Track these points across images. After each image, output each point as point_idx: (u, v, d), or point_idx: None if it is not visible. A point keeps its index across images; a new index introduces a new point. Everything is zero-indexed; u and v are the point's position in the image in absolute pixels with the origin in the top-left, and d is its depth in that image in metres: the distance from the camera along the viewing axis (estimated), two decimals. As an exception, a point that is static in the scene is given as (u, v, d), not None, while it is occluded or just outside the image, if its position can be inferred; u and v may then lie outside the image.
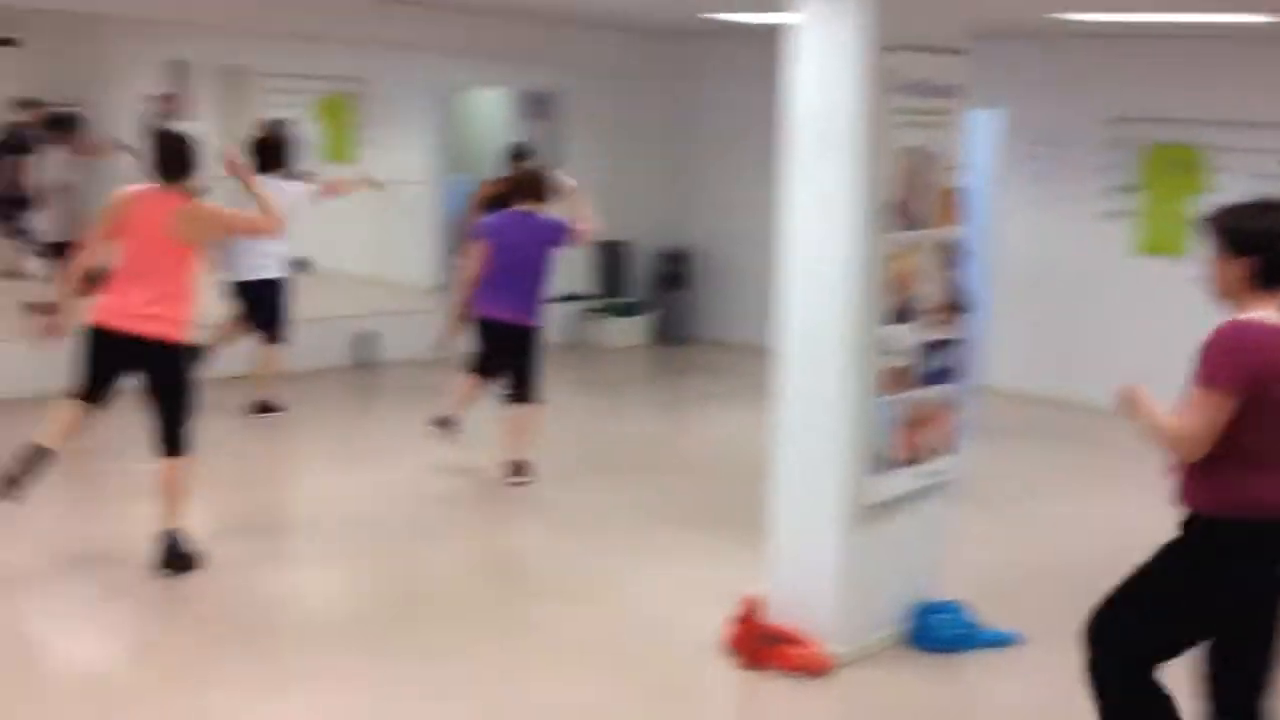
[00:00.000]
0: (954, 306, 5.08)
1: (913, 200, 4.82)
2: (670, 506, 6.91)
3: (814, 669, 4.79)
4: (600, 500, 6.99)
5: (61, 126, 8.31)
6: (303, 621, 5.25)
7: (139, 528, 5.73)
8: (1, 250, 11.06)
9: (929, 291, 4.94)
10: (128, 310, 5.36)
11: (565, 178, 7.47)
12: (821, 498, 4.81)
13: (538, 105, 11.68)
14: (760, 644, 4.86)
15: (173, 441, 5.47)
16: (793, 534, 4.93)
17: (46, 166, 9.63)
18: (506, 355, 7.13)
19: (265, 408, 8.35)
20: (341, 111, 13.39)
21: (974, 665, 5.01)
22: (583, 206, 7.15)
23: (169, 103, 13.34)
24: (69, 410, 5.53)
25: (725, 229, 11.51)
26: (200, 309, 5.60)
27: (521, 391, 7.14)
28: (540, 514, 6.75)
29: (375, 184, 8.95)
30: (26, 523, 5.77)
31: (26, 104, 12.08)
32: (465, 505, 6.94)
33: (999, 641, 5.14)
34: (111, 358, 5.44)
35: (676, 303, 11.83)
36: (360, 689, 4.58)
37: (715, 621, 5.06)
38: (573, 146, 11.54)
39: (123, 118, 13.89)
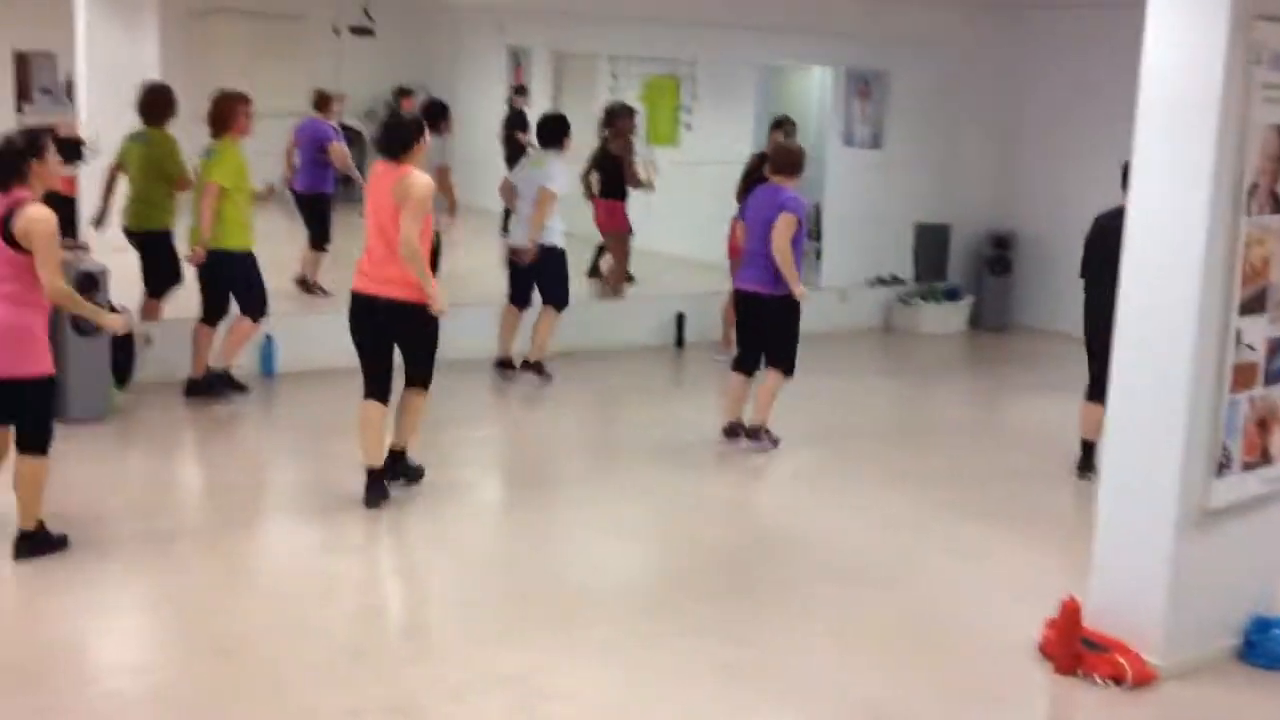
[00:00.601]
0: (1315, 299, 4.66)
1: (1276, 183, 4.45)
2: (979, 498, 6.68)
3: (1135, 680, 4.51)
4: (902, 486, 6.82)
5: (435, 114, 8.99)
6: (593, 592, 5.35)
7: (465, 496, 6.04)
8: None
9: (1288, 282, 4.56)
10: (369, 274, 5.92)
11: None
12: (1158, 499, 4.52)
13: (861, 82, 11.50)
14: (1077, 649, 4.62)
15: (417, 379, 6.14)
16: (1122, 536, 4.65)
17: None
18: (758, 327, 7.20)
19: (539, 369, 8.60)
20: (666, 93, 13.63)
21: (1315, 689, 4.61)
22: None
23: (520, 95, 13.98)
24: (371, 413, 6.04)
25: (1055, 212, 11.01)
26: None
27: (770, 359, 7.19)
28: (839, 496, 6.65)
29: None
30: (322, 492, 6.20)
31: (402, 92, 12.96)
32: (750, 481, 6.97)
33: (1347, 665, 4.70)
34: (364, 320, 5.98)
35: (999, 288, 11.42)
36: (653, 663, 4.63)
37: (1025, 621, 4.86)
38: (896, 124, 11.32)
39: (470, 101, 14.64)
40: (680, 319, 10.18)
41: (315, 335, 8.49)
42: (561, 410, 8.32)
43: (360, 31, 15.72)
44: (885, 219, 11.45)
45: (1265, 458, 4.63)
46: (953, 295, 11.40)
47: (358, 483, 6.08)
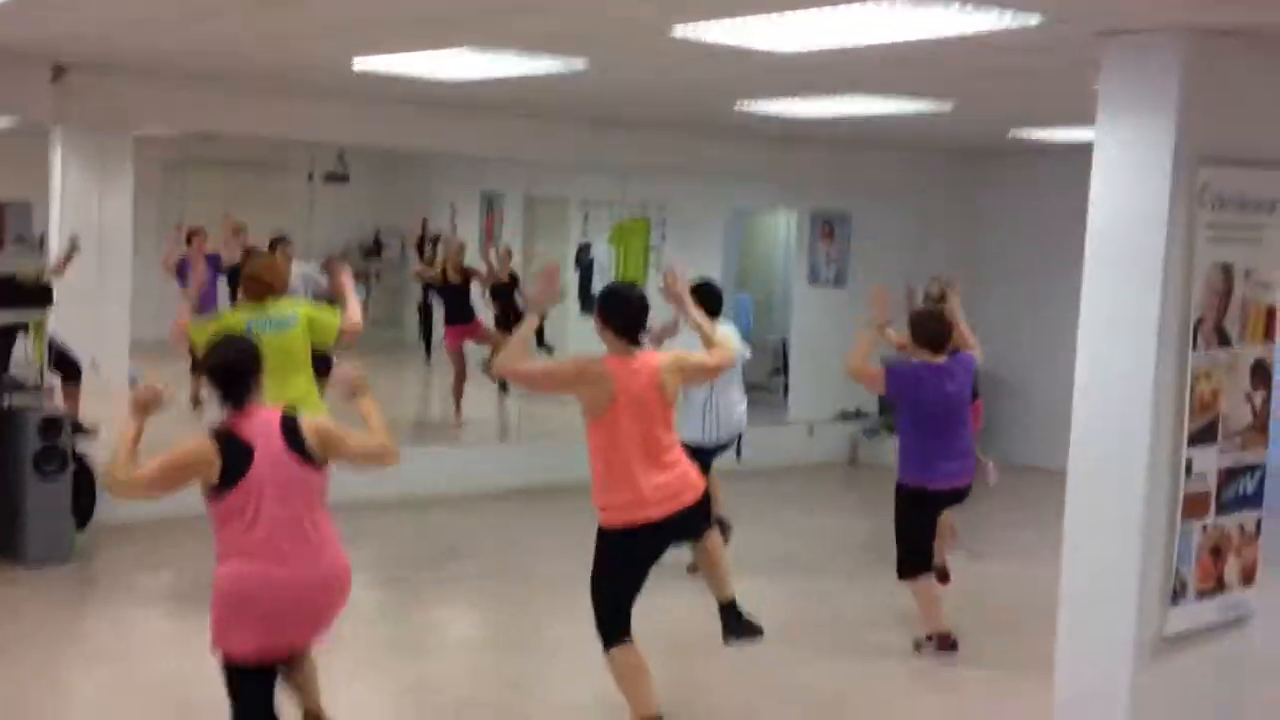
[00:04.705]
0: (1262, 429, 4.77)
1: (1223, 318, 4.59)
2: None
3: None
4: (861, 624, 6.80)
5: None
6: None
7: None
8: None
9: (1236, 413, 4.67)
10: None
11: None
12: (1115, 627, 4.55)
13: (825, 224, 11.79)
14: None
15: None
16: (1083, 665, 4.67)
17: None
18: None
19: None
20: (637, 234, 13.89)
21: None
22: None
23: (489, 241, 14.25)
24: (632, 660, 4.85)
25: (1016, 348, 11.20)
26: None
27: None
28: (808, 635, 6.64)
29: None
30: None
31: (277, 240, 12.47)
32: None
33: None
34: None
35: (964, 424, 11.54)
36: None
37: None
38: (860, 264, 11.57)
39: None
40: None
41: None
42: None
43: (334, 178, 16.06)
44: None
45: (1220, 585, 4.68)
46: (919, 430, 11.48)
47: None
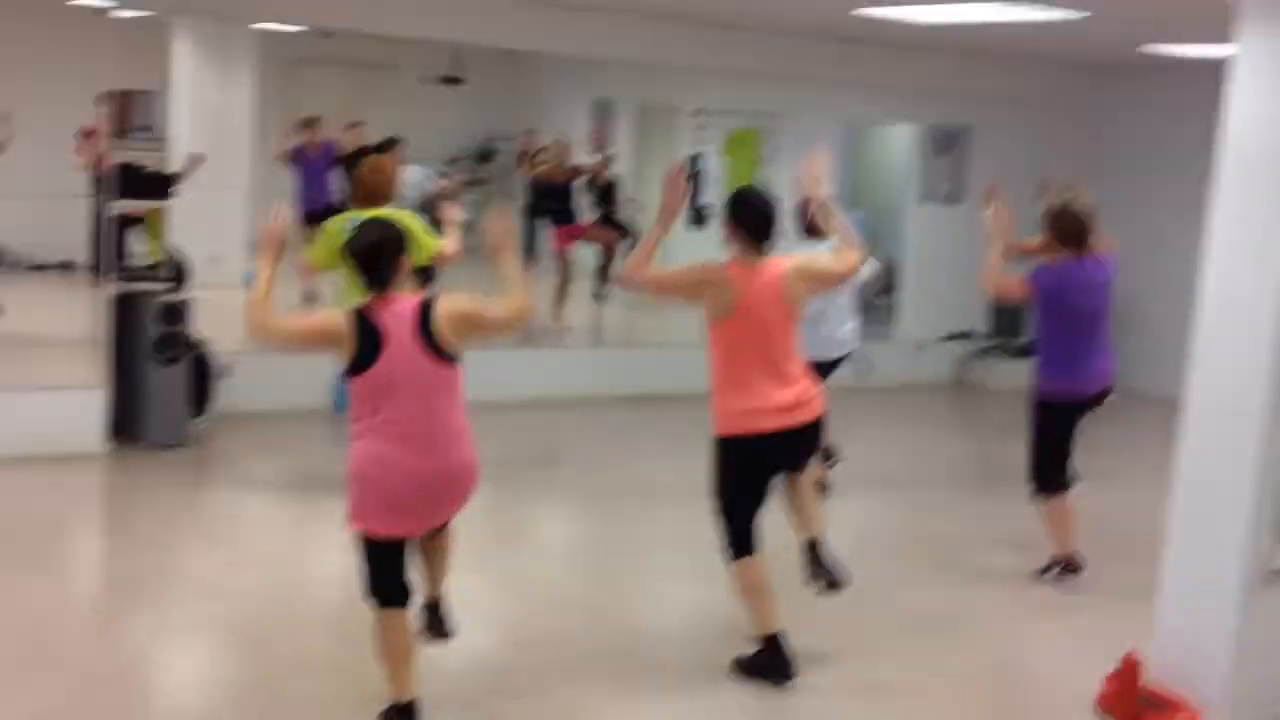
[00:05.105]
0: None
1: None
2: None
3: (1197, 741, 4.38)
4: (966, 541, 6.76)
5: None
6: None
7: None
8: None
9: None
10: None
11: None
12: (1224, 558, 4.45)
13: (944, 138, 11.50)
14: (1137, 706, 4.54)
15: None
16: (1187, 594, 4.58)
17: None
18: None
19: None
20: (748, 145, 13.70)
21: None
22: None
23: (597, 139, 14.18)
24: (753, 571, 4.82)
25: (1138, 271, 10.88)
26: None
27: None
28: (906, 549, 6.61)
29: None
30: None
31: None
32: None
33: None
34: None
35: (1077, 348, 11.30)
36: (706, 709, 4.62)
37: (1095, 678, 4.78)
38: (978, 181, 11.29)
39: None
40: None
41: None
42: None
43: (450, 81, 16.09)
44: (963, 274, 11.40)
45: (1336, 519, 4.54)
46: (1028, 352, 11.27)
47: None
